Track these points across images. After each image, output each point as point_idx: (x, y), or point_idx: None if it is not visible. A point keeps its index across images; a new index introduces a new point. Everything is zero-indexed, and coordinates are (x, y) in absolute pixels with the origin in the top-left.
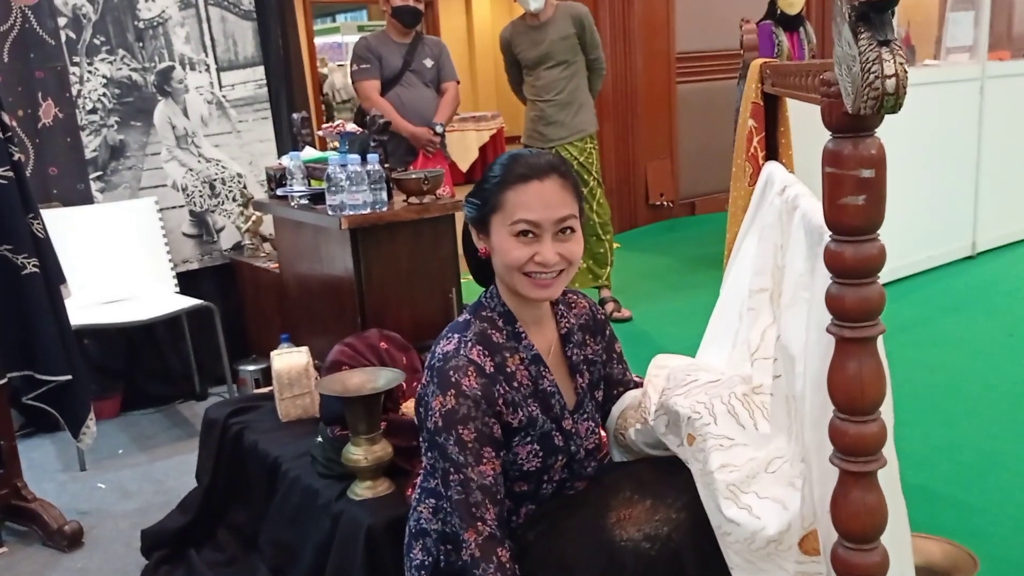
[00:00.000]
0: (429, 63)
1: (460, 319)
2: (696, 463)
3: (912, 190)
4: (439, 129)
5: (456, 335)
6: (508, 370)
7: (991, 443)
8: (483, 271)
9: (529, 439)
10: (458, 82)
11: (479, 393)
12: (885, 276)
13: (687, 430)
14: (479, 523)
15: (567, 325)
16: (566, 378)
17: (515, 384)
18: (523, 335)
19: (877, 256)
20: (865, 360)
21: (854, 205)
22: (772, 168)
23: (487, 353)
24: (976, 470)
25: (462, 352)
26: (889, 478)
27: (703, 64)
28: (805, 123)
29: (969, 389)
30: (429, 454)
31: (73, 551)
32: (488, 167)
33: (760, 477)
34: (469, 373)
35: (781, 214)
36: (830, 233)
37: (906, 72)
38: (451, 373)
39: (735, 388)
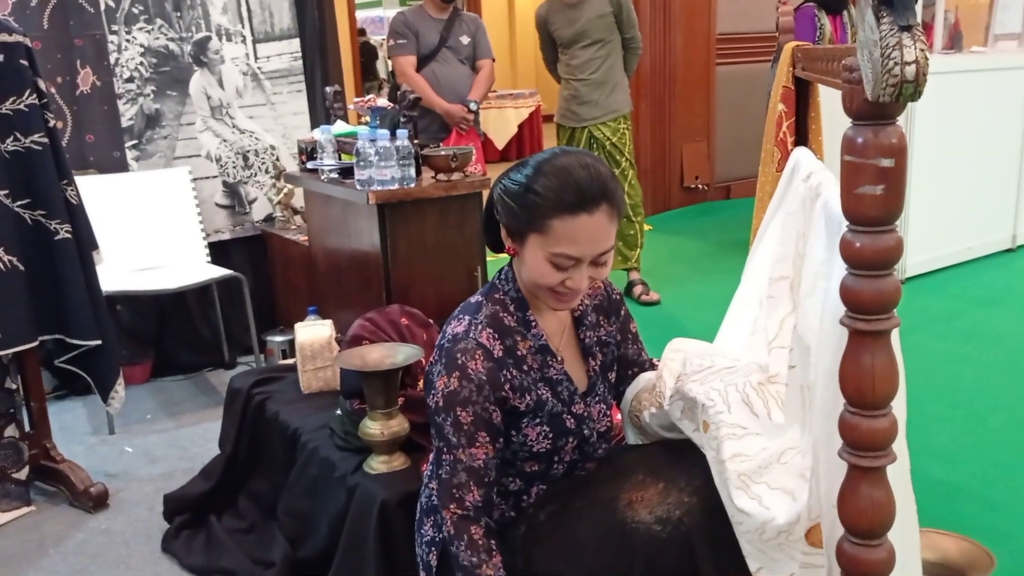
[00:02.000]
0: (465, 40)
1: (472, 300)
2: (710, 450)
3: (952, 179)
4: (473, 107)
5: (467, 317)
6: (519, 353)
7: (1018, 440)
8: (498, 241)
9: (539, 420)
10: (493, 60)
11: (484, 377)
12: (919, 267)
13: (701, 417)
14: (455, 503)
15: (581, 307)
16: (578, 361)
17: (525, 368)
18: (533, 323)
19: (894, 248)
20: (878, 353)
21: (872, 195)
22: (800, 154)
23: (497, 336)
24: (1001, 467)
25: (471, 335)
26: (899, 474)
27: (744, 46)
28: (836, 109)
29: (999, 385)
30: (431, 431)
31: (98, 512)
32: (532, 169)
33: (772, 468)
34: (476, 356)
35: (804, 201)
36: (847, 223)
37: (927, 59)
38: (458, 355)
39: (751, 376)
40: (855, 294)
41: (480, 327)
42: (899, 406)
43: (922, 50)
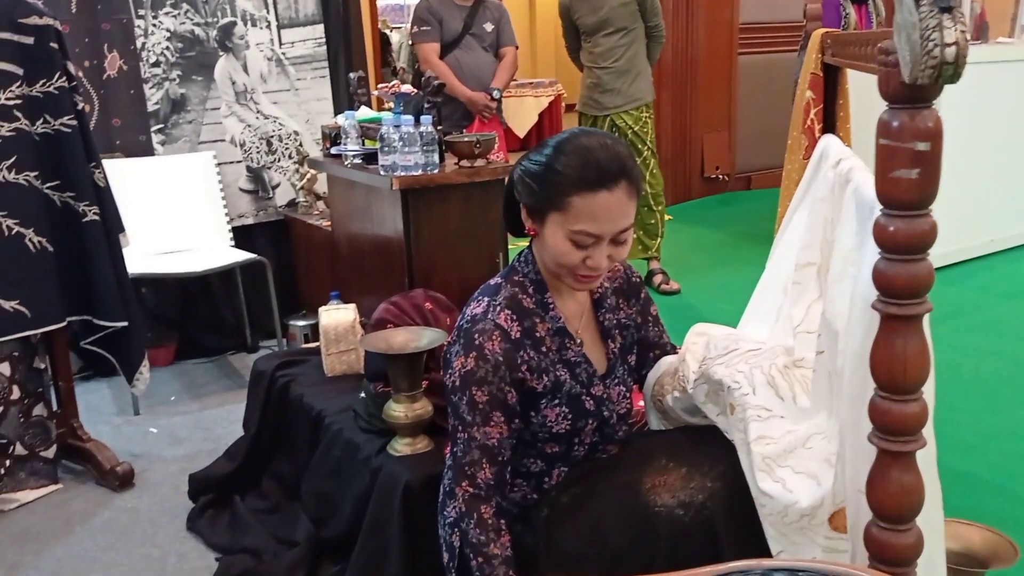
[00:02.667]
0: (489, 27)
1: (492, 282)
2: (737, 433)
3: (976, 170)
4: (496, 94)
5: (486, 298)
6: (537, 335)
7: None
8: (518, 224)
9: (557, 402)
10: (517, 47)
11: (500, 358)
12: (943, 259)
13: (727, 399)
14: (467, 481)
15: (600, 289)
16: (598, 343)
17: (543, 349)
18: (551, 306)
19: (928, 232)
20: (910, 338)
21: (907, 179)
22: (828, 141)
23: (515, 318)
24: None
25: (490, 316)
26: (927, 460)
27: (767, 35)
28: (865, 97)
29: (1022, 377)
30: (447, 410)
31: (124, 491)
32: (552, 148)
33: (797, 452)
34: (494, 337)
35: (834, 187)
36: (881, 207)
37: (967, 41)
38: (476, 335)
39: (776, 359)
40: (888, 278)
41: (498, 308)
42: (928, 392)
43: (963, 32)
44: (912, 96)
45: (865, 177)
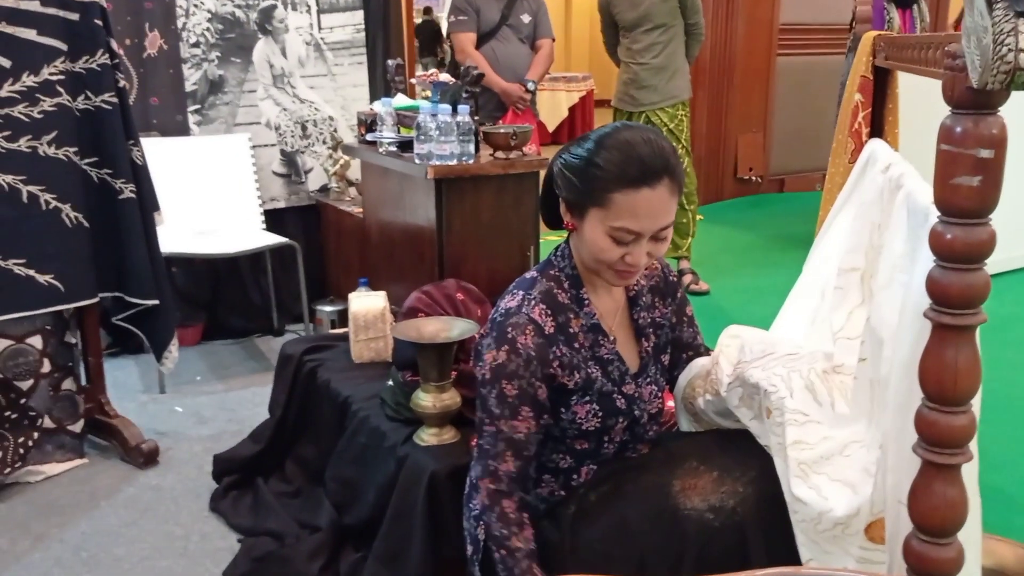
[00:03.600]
0: (526, 19)
1: (528, 275)
2: (774, 437)
3: (1019, 179)
4: (531, 87)
5: (521, 292)
6: (571, 331)
7: None
8: (556, 217)
9: (588, 399)
10: (553, 40)
11: (532, 353)
12: (989, 268)
13: (764, 403)
14: (490, 475)
15: (636, 287)
16: (631, 341)
17: (576, 345)
18: (586, 302)
19: (987, 242)
20: (963, 348)
21: (968, 186)
22: (876, 145)
23: (550, 313)
24: None
25: (524, 310)
26: (969, 474)
27: (807, 37)
28: (915, 101)
29: None
30: (476, 403)
31: (148, 468)
32: (593, 143)
33: (834, 460)
34: (527, 332)
35: (883, 192)
36: (938, 214)
37: None
38: (509, 329)
39: (815, 364)
40: (943, 287)
41: (533, 303)
42: (976, 405)
43: None
44: (978, 102)
45: (917, 183)
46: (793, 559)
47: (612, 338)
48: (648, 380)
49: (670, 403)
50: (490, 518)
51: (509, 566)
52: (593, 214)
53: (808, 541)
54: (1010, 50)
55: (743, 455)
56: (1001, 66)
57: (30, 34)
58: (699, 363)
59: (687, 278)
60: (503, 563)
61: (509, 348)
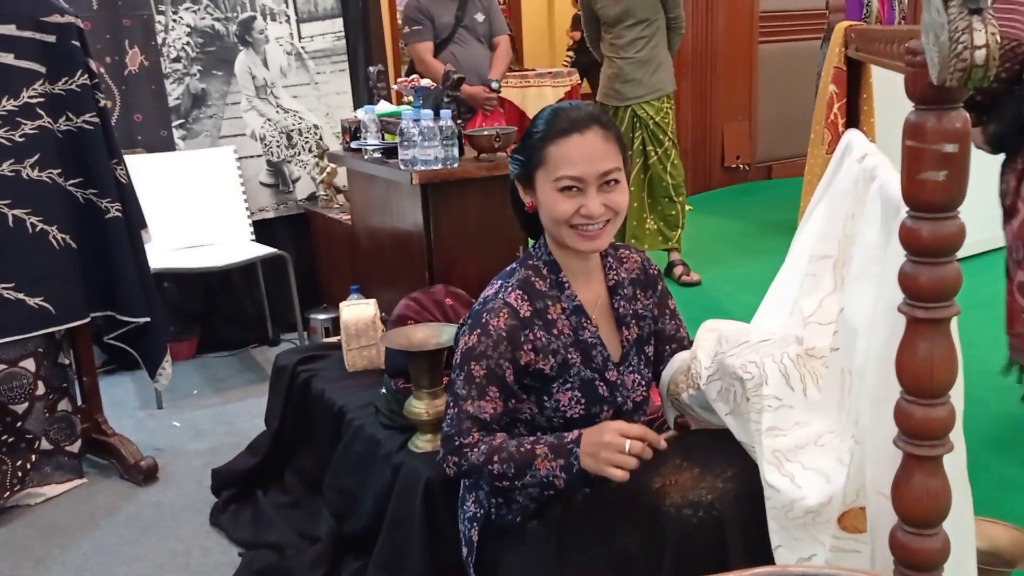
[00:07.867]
0: (480, 17)
1: (508, 268)
2: (752, 423)
3: (999, 158)
4: (495, 86)
5: (499, 281)
6: (549, 317)
7: None
8: (532, 224)
9: (569, 386)
10: (510, 35)
11: (503, 333)
12: (968, 249)
13: (743, 393)
14: (454, 453)
15: (616, 278)
16: (613, 330)
17: (555, 332)
18: (566, 285)
19: (956, 235)
20: (937, 341)
21: (934, 181)
22: (852, 136)
23: (526, 298)
24: None
25: (500, 295)
26: (955, 463)
27: (787, 24)
28: (890, 91)
29: None
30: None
31: (148, 485)
32: (531, 123)
33: (808, 449)
34: (501, 315)
35: (857, 182)
36: (907, 208)
37: (998, 43)
38: (484, 315)
39: (788, 348)
40: (914, 280)
41: (510, 289)
42: (956, 395)
43: (993, 34)
44: (940, 97)
45: (891, 175)
46: (772, 556)
47: (595, 323)
48: (631, 369)
49: (660, 400)
50: (467, 461)
51: (513, 451)
52: (540, 177)
53: (779, 528)
54: (965, 47)
55: (725, 452)
56: (957, 63)
57: (7, 58)
58: (680, 358)
59: (678, 269)
60: (505, 464)
61: (481, 331)
